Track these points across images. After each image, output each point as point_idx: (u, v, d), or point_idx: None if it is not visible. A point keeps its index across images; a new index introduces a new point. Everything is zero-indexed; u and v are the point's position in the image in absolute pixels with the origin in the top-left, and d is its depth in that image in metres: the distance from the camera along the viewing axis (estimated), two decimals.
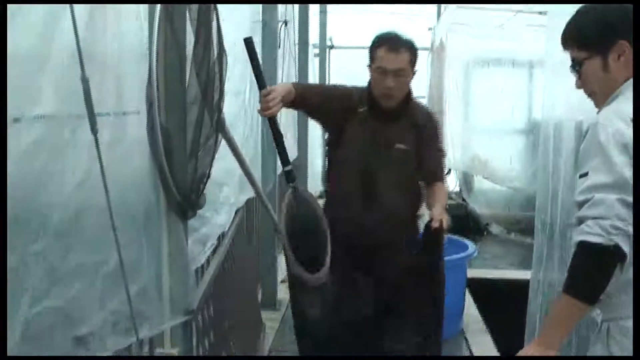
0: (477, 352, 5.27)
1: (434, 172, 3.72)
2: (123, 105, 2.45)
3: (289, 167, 3.33)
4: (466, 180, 10.58)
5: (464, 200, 10.34)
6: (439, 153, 3.78)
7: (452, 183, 10.24)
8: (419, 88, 9.86)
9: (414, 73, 3.57)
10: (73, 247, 2.21)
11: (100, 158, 2.11)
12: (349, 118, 3.60)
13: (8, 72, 1.85)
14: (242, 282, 4.20)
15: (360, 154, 3.58)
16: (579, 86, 2.52)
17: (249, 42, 3.20)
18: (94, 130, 2.07)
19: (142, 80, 2.55)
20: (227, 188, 3.76)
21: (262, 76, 3.26)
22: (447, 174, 4.14)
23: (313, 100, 3.65)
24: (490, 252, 8.63)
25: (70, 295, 2.19)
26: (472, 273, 6.26)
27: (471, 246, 5.71)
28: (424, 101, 10.06)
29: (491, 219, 9.87)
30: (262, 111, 3.26)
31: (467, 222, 9.29)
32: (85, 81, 2.00)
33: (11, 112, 1.88)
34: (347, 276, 3.60)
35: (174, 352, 2.64)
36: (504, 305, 5.79)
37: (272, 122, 3.29)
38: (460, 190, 10.63)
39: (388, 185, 3.57)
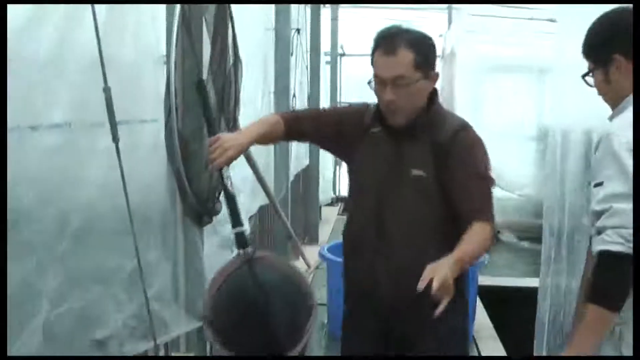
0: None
1: (467, 206, 2.65)
2: (141, 114, 2.50)
3: (238, 229, 2.52)
4: None
5: None
6: (477, 181, 2.68)
7: None
8: None
9: (428, 77, 2.66)
10: (91, 252, 2.25)
11: (120, 166, 2.15)
12: (361, 141, 2.81)
13: (26, 80, 1.90)
14: None
15: (372, 183, 2.78)
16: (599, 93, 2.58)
17: (200, 84, 2.75)
18: (115, 138, 2.11)
19: (161, 90, 2.60)
20: (242, 195, 3.79)
21: (213, 122, 2.75)
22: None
23: (314, 129, 2.90)
24: (501, 260, 8.62)
25: (90, 299, 2.24)
26: (483, 280, 6.27)
27: None
28: None
29: (502, 227, 9.85)
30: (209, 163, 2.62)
31: None
32: (107, 90, 2.04)
33: (29, 120, 1.93)
34: (360, 335, 2.85)
35: (190, 355, 2.68)
36: (514, 312, 5.80)
37: (219, 177, 2.63)
38: None
39: (405, 223, 2.71)
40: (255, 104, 4.58)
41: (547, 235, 4.28)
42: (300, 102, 6.87)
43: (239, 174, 3.69)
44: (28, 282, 1.98)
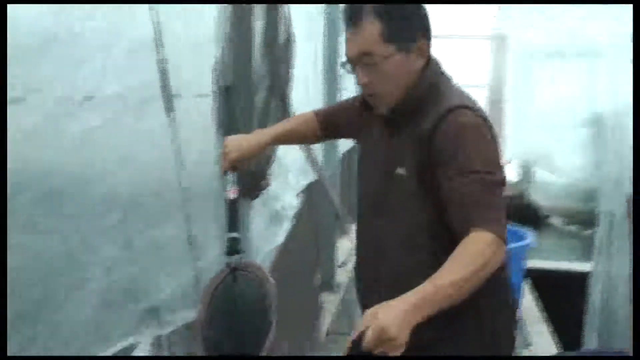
0: (534, 341, 5.29)
1: (456, 213, 2.00)
2: (195, 88, 2.53)
3: (232, 235, 2.33)
4: (526, 171, 10.53)
5: (523, 191, 10.29)
6: (467, 178, 1.99)
7: (512, 173, 10.18)
8: (479, 77, 9.86)
9: (408, 50, 2.10)
10: (143, 223, 2.30)
11: (174, 137, 2.19)
12: (369, 125, 2.33)
13: (82, 50, 1.94)
14: (301, 264, 4.27)
15: (366, 178, 2.37)
16: None
17: (225, 89, 2.66)
18: (169, 111, 2.15)
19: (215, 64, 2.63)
20: (290, 174, 3.82)
21: (233, 127, 2.63)
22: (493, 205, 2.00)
23: (347, 119, 2.49)
24: (549, 244, 8.56)
25: (142, 268, 2.29)
26: (531, 263, 6.25)
27: (530, 236, 5.71)
28: (481, 92, 10.03)
29: (551, 211, 9.79)
30: None
31: (526, 213, 9.24)
32: (162, 62, 2.08)
33: (83, 90, 1.97)
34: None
35: None
36: (562, 295, 5.78)
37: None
38: (520, 180, 10.59)
39: (392, 223, 2.22)
40: (305, 83, 4.59)
41: (602, 220, 4.26)
42: (349, 82, 6.88)
43: (290, 154, 3.73)
44: (82, 251, 2.03)
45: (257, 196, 2.84)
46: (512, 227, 5.74)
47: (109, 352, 2.15)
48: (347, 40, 2.11)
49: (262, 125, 2.70)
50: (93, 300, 2.04)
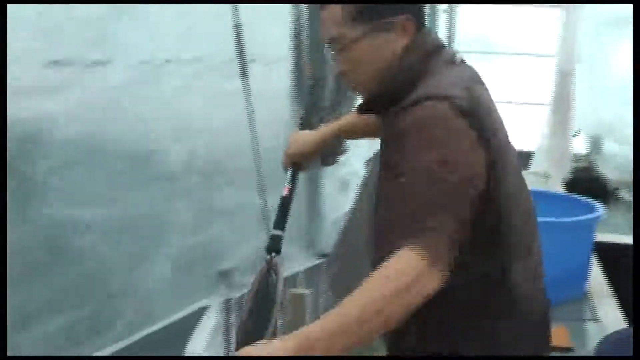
0: (601, 315, 5.20)
1: (379, 226, 1.72)
2: (272, 53, 2.53)
3: (276, 232, 2.22)
4: (595, 143, 10.34)
5: (592, 163, 10.13)
6: (407, 178, 1.61)
7: (580, 145, 10.01)
8: (549, 47, 9.65)
9: (384, 29, 1.78)
10: (219, 188, 2.32)
11: (249, 102, 2.20)
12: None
13: (164, 16, 1.96)
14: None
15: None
16: None
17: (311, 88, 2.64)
18: (244, 75, 2.15)
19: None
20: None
21: (306, 120, 2.52)
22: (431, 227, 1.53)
23: None
24: (617, 217, 8.41)
25: (216, 232, 2.32)
26: (600, 237, 6.15)
27: (600, 208, 5.59)
28: (549, 62, 9.81)
29: (620, 184, 9.60)
30: None
31: (594, 186, 9.10)
32: (238, 27, 2.08)
33: (163, 54, 1.99)
34: None
35: (307, 292, 2.74)
36: (630, 270, 5.67)
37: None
38: (589, 152, 10.41)
39: (374, 233, 1.86)
40: None
41: None
42: None
43: None
44: (157, 215, 2.06)
45: (334, 162, 2.84)
46: (581, 199, 5.65)
47: (182, 314, 2.19)
48: (320, 23, 1.85)
49: (340, 90, 2.68)
50: (170, 260, 2.08)
